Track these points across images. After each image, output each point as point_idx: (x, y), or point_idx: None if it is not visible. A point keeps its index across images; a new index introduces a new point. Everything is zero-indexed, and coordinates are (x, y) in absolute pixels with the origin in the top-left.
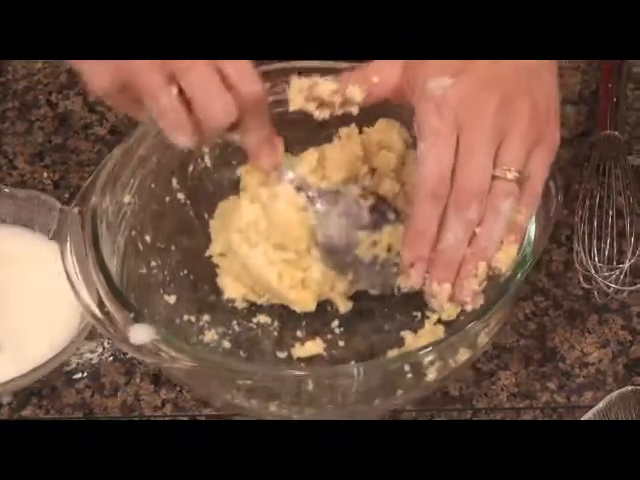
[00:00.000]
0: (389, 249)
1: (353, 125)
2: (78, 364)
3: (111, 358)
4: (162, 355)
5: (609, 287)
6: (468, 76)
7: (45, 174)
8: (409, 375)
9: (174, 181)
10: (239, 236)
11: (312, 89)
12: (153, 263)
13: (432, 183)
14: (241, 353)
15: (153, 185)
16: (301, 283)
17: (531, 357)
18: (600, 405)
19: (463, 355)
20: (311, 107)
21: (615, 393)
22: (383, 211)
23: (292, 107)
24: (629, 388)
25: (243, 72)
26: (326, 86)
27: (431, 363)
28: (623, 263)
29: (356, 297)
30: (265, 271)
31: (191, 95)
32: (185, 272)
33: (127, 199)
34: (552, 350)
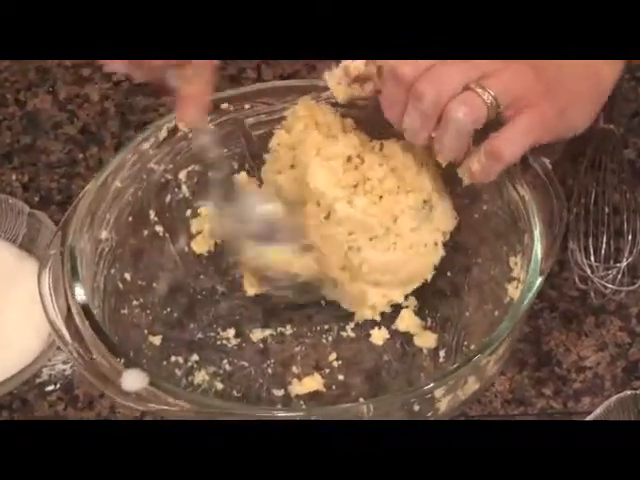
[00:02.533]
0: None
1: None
2: (50, 375)
3: None
4: (157, 400)
5: (606, 287)
6: None
7: (13, 176)
8: (417, 408)
9: (151, 213)
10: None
11: (347, 72)
12: (135, 302)
13: (396, 64)
14: (234, 393)
15: (130, 219)
16: None
17: (526, 362)
18: (598, 411)
19: (472, 386)
20: (356, 91)
21: (613, 398)
22: (277, 230)
23: (341, 99)
24: (628, 393)
25: None
26: (357, 64)
27: (443, 396)
28: (620, 262)
29: (356, 327)
30: None
31: None
32: (169, 310)
33: (104, 235)
34: (547, 354)
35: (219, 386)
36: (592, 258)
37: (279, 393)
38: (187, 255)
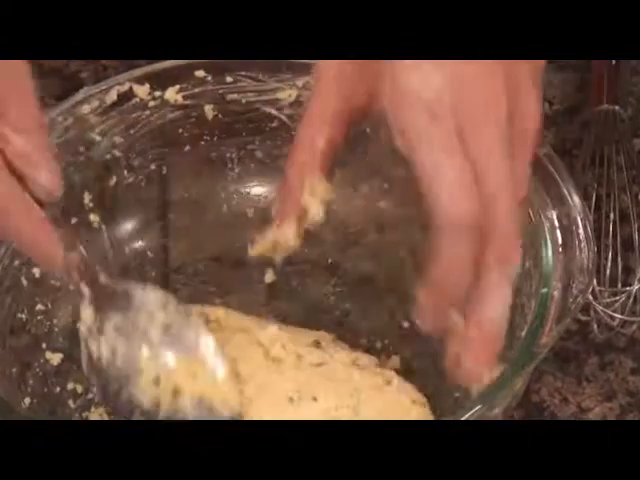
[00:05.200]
0: (176, 393)
1: None
2: None
3: None
4: None
5: (613, 318)
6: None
7: None
8: None
9: (86, 197)
10: None
11: None
12: (40, 306)
13: (454, 209)
14: None
15: None
16: None
17: (511, 416)
18: None
19: None
20: None
21: None
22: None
23: None
24: None
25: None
26: None
27: None
28: (630, 285)
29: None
30: None
31: None
32: None
33: None
34: (538, 406)
35: None
36: (594, 280)
37: None
38: (124, 257)
